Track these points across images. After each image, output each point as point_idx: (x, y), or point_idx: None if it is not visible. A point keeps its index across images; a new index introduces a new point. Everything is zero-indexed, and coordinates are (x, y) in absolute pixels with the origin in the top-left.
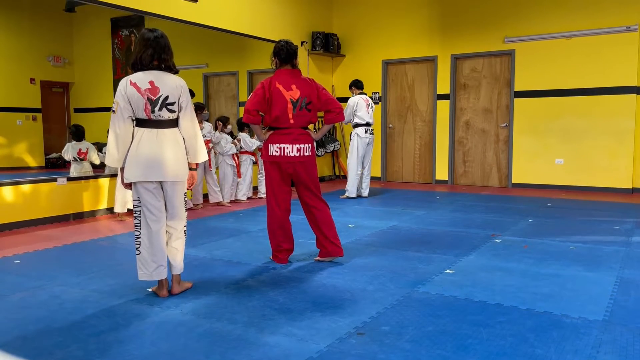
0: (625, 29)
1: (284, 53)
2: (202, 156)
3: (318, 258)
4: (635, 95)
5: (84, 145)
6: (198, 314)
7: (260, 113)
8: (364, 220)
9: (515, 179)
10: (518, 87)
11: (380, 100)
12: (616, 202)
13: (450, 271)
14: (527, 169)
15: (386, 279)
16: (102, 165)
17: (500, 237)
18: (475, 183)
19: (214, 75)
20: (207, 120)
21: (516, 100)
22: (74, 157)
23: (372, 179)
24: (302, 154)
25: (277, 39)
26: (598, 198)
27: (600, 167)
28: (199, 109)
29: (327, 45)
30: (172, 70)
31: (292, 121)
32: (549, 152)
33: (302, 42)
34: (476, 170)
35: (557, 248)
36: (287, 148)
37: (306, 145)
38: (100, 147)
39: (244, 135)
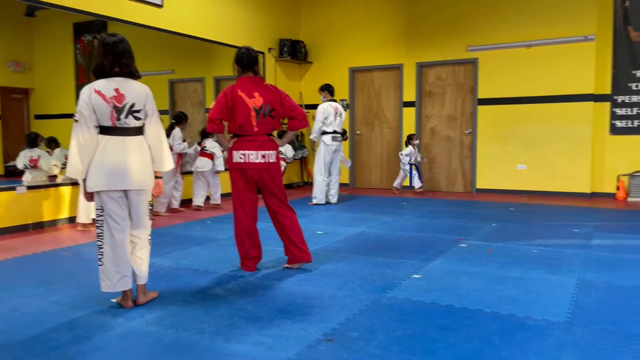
0: (582, 39)
1: (245, 60)
2: (168, 164)
3: (286, 265)
4: (592, 102)
5: (36, 152)
6: (164, 324)
7: (223, 121)
8: (333, 227)
9: (479, 185)
10: (481, 94)
11: (347, 107)
12: (576, 206)
13: (418, 276)
14: (490, 174)
15: (355, 284)
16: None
17: (465, 242)
18: (441, 189)
19: (180, 82)
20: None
21: (480, 107)
22: (24, 165)
23: (341, 185)
24: (267, 161)
25: (242, 45)
26: (559, 202)
27: (560, 173)
28: (182, 119)
29: (294, 52)
30: (134, 75)
31: (256, 129)
32: (511, 158)
33: (269, 49)
34: (442, 176)
35: (520, 252)
36: (252, 155)
37: (271, 151)
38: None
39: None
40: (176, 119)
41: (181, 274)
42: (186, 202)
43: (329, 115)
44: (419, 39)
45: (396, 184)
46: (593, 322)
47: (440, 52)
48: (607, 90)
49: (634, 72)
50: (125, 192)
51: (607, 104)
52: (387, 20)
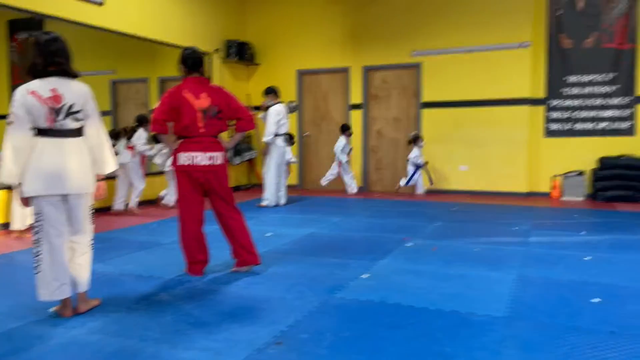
0: (518, 45)
1: (191, 61)
2: (110, 166)
3: (235, 268)
4: (528, 106)
5: None
6: (106, 332)
7: (167, 122)
8: (282, 229)
9: (424, 185)
10: (425, 98)
11: (297, 109)
12: (514, 205)
13: (366, 276)
14: (434, 175)
15: (304, 286)
16: None
17: (411, 241)
18: (387, 189)
19: (123, 82)
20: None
21: (423, 110)
22: None
23: (290, 187)
24: (213, 163)
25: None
26: (498, 202)
27: (499, 173)
28: (147, 120)
29: (241, 53)
30: (70, 75)
31: (202, 130)
32: (454, 159)
33: (216, 50)
34: (388, 177)
35: (463, 250)
36: (198, 157)
37: (217, 153)
38: None
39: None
40: (141, 120)
41: (124, 280)
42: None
43: (282, 118)
44: (365, 43)
45: (402, 183)
46: (532, 316)
47: (385, 56)
48: (542, 94)
49: (566, 77)
50: (64, 196)
51: (542, 108)
52: (334, 23)
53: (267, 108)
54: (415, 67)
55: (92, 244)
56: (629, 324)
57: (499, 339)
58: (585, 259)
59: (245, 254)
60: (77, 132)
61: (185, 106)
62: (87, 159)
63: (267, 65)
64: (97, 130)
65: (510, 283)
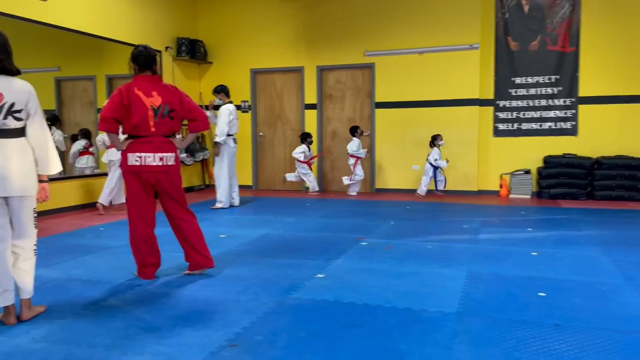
0: (468, 47)
1: (142, 59)
2: (55, 167)
3: (187, 271)
4: (477, 107)
5: None
6: (52, 340)
7: (117, 120)
8: (236, 230)
9: (378, 185)
10: (378, 98)
11: (249, 109)
12: (464, 204)
13: (321, 275)
14: (388, 175)
15: (259, 287)
16: None
17: (366, 240)
18: (342, 189)
19: (68, 80)
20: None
21: (377, 110)
22: None
23: (244, 187)
24: (165, 163)
25: (138, 43)
26: (449, 200)
27: (450, 172)
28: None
29: (193, 51)
30: (11, 72)
31: (153, 129)
32: (406, 159)
33: (167, 48)
34: (343, 177)
35: (416, 248)
36: (149, 157)
37: (169, 154)
38: None
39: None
40: (53, 120)
41: (71, 286)
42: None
43: (233, 117)
44: (319, 43)
45: (420, 190)
46: (481, 311)
47: (339, 56)
48: (491, 95)
49: (513, 79)
50: (5, 198)
51: (491, 109)
52: (288, 22)
53: (215, 107)
54: (369, 68)
55: (36, 248)
56: (572, 317)
57: (450, 334)
58: (532, 254)
59: (198, 257)
60: (19, 132)
61: (136, 104)
62: (30, 159)
63: (219, 64)
64: (40, 130)
65: (461, 280)
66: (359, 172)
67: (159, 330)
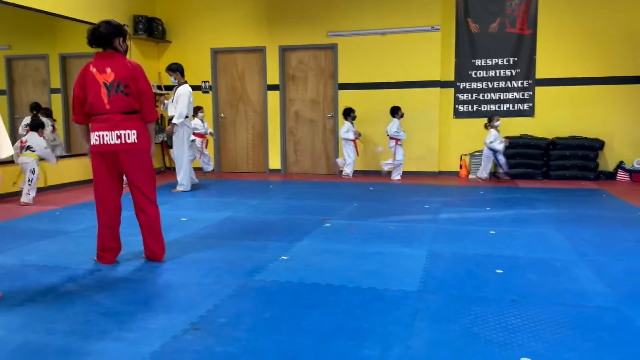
0: (430, 29)
1: (91, 36)
2: (5, 150)
3: (144, 256)
4: (439, 89)
5: None
6: (9, 328)
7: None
8: (198, 213)
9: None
10: (341, 79)
11: (210, 90)
12: (426, 184)
13: (285, 257)
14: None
15: (222, 270)
16: None
17: (330, 222)
18: (306, 171)
19: (19, 59)
20: None
21: (340, 92)
22: None
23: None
24: (123, 141)
25: (93, 21)
26: (411, 181)
27: (413, 154)
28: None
29: (150, 30)
30: None
31: (107, 106)
32: (370, 140)
33: (123, 26)
34: (307, 158)
35: (379, 228)
36: (107, 135)
37: (128, 131)
38: None
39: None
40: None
41: (27, 272)
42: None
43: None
44: (281, 23)
45: (480, 174)
46: (441, 289)
47: (302, 37)
48: (451, 77)
49: (473, 60)
50: None
51: (451, 90)
52: (249, 1)
53: (167, 87)
54: (332, 48)
55: None
56: (528, 292)
57: (411, 312)
58: (490, 233)
59: (147, 250)
60: None
61: (91, 82)
62: None
63: (179, 43)
64: None
65: (422, 258)
66: (400, 155)
67: (119, 316)
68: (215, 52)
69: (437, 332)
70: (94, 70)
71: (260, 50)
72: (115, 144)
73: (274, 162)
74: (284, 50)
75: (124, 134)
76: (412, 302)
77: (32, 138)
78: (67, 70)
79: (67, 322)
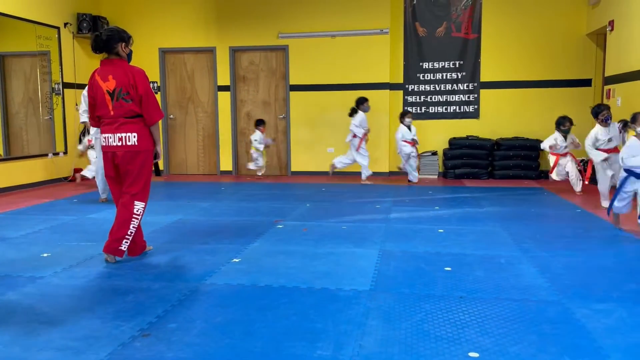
0: (379, 32)
1: (94, 44)
2: None
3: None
4: (388, 91)
5: None
6: None
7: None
8: (146, 216)
9: (294, 167)
10: (293, 81)
11: (159, 90)
12: (377, 185)
13: (237, 260)
14: (303, 157)
15: (172, 275)
16: None
17: (282, 223)
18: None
19: None
20: None
21: (292, 93)
22: None
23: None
24: (124, 143)
25: (33, 19)
26: (363, 181)
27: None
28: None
29: (95, 28)
30: None
31: (112, 112)
32: (321, 141)
33: (65, 24)
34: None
35: (331, 229)
36: (110, 138)
37: (129, 134)
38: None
39: None
40: None
41: None
42: None
43: None
44: (231, 23)
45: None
46: (393, 287)
47: (252, 38)
48: (400, 79)
49: (421, 63)
50: None
51: (400, 92)
52: (198, 1)
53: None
54: (283, 50)
55: None
56: (475, 288)
57: (363, 311)
58: (439, 231)
59: (107, 240)
60: None
61: (97, 89)
62: None
63: None
64: None
65: (374, 258)
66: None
67: (64, 324)
68: (164, 52)
69: (389, 330)
70: (98, 77)
71: (210, 51)
72: (117, 145)
73: (226, 164)
74: (235, 51)
75: (125, 137)
76: (364, 301)
77: None
78: (5, 69)
79: (7, 333)
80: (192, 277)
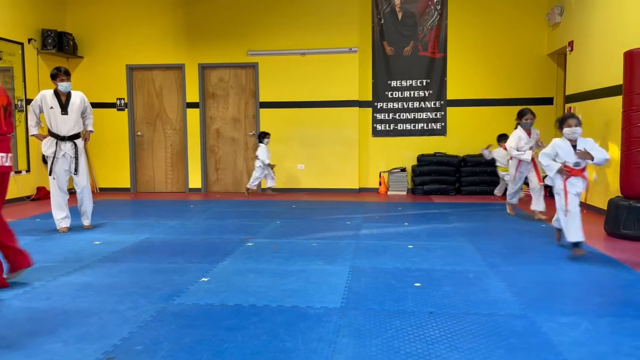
0: (347, 50)
1: None
2: None
3: (8, 275)
4: (357, 108)
5: None
6: None
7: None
8: (113, 236)
9: (264, 184)
10: (263, 98)
11: (126, 107)
12: (347, 201)
13: (206, 279)
14: (275, 174)
15: (139, 295)
16: None
17: (252, 241)
18: (228, 190)
19: None
20: None
21: (262, 110)
22: None
23: (122, 190)
24: (2, 164)
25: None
26: (333, 198)
27: (333, 171)
28: None
29: (60, 44)
30: None
31: (4, 128)
32: (292, 158)
33: (30, 40)
34: (228, 177)
35: (302, 246)
36: (3, 157)
37: (5, 154)
38: None
39: None
40: None
41: None
42: None
43: None
44: (201, 40)
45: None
46: (363, 304)
47: (222, 55)
48: (369, 97)
49: (389, 81)
50: None
51: (369, 110)
52: (166, 18)
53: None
54: (253, 67)
55: None
56: (444, 304)
57: (334, 329)
58: (409, 247)
59: (14, 255)
60: None
61: None
62: None
63: (92, 59)
64: None
65: (344, 275)
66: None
67: (24, 348)
68: (131, 69)
69: (360, 347)
70: None
71: (179, 68)
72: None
73: (194, 181)
74: (204, 68)
75: (3, 156)
76: (334, 319)
77: None
78: None
79: None
80: (159, 298)
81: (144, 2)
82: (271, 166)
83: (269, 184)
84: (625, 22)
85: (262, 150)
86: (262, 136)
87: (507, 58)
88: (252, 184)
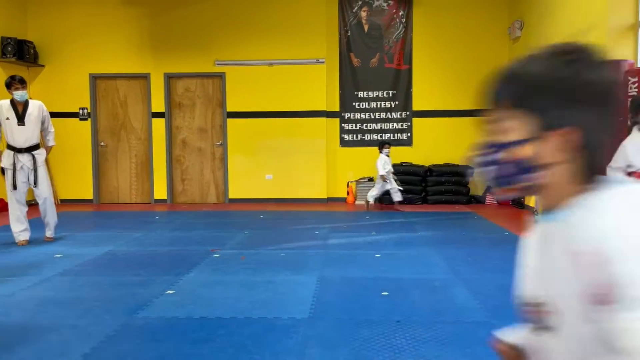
0: (315, 61)
1: None
2: None
3: None
4: (325, 118)
5: None
6: None
7: None
8: (74, 248)
9: (231, 195)
10: (230, 108)
11: (89, 117)
12: (315, 211)
13: (171, 292)
14: (241, 184)
15: (101, 310)
16: None
17: (219, 252)
18: (194, 200)
19: None
20: None
21: (229, 120)
22: None
23: (84, 201)
24: None
25: None
26: (301, 208)
27: (302, 181)
28: None
29: (21, 52)
30: None
31: None
32: (260, 168)
33: None
34: (195, 187)
35: (270, 257)
36: None
37: None
38: None
39: None
40: None
41: None
42: None
43: None
44: (167, 50)
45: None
46: (331, 314)
47: (188, 64)
48: (337, 107)
49: (356, 92)
50: None
51: (337, 120)
52: (131, 27)
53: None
54: (220, 77)
55: None
56: (411, 312)
57: (302, 340)
58: (376, 256)
59: None
60: None
61: None
62: None
63: (53, 68)
64: None
65: (312, 285)
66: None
67: None
68: (95, 78)
69: (328, 357)
70: None
71: (144, 77)
72: None
73: (160, 192)
74: (170, 77)
75: None
76: (302, 330)
77: None
78: None
79: None
80: (123, 312)
81: (108, 10)
82: (393, 176)
83: (395, 198)
84: (585, 36)
85: (379, 160)
86: (382, 145)
87: (471, 70)
88: (370, 195)
